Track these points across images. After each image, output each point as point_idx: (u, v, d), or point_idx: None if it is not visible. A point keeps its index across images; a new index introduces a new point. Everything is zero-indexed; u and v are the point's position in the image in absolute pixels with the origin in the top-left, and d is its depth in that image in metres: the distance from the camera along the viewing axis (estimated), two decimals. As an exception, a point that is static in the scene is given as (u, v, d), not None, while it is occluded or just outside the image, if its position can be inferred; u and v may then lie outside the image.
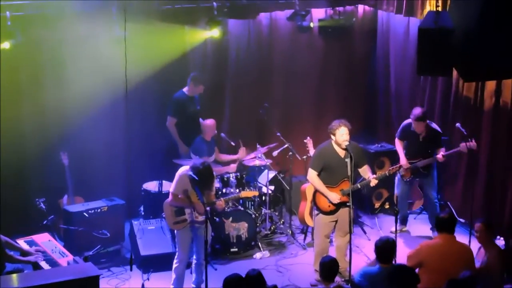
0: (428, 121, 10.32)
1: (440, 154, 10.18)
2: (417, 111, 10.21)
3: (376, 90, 13.00)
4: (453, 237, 7.64)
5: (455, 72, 9.35)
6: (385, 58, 12.63)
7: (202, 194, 8.30)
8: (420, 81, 11.62)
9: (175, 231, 8.82)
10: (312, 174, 9.11)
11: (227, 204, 10.10)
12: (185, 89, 11.15)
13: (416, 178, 10.56)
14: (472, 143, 9.85)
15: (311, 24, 12.03)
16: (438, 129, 10.43)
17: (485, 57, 7.18)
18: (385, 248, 7.31)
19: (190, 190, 8.49)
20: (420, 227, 11.05)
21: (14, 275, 7.40)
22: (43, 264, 7.78)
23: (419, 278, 6.76)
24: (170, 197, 8.70)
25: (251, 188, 10.61)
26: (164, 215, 9.08)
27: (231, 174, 10.56)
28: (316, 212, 9.24)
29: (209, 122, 10.81)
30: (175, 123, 11.06)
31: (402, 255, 8.08)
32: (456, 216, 9.93)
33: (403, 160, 10.44)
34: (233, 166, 10.91)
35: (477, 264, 7.60)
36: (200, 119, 11.05)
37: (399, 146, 10.62)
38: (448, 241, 7.56)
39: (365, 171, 9.20)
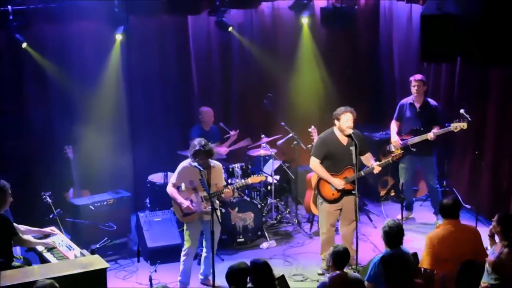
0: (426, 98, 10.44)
1: (432, 132, 10.16)
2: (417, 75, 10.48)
3: (380, 77, 12.97)
4: (458, 222, 7.55)
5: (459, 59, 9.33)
6: (389, 46, 12.60)
7: (209, 186, 8.29)
8: (424, 68, 11.58)
9: (185, 224, 8.82)
10: (314, 161, 9.07)
11: (235, 192, 10.06)
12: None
13: (408, 155, 10.35)
14: (463, 123, 9.86)
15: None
16: (435, 103, 10.47)
17: (490, 43, 7.10)
18: (393, 232, 7.21)
19: (196, 182, 8.48)
20: (426, 213, 11.04)
21: (21, 269, 7.43)
22: (50, 257, 7.79)
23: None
24: (170, 185, 8.72)
25: (257, 178, 10.59)
26: (172, 209, 9.07)
27: (236, 165, 10.53)
28: (320, 200, 9.22)
29: (206, 109, 10.89)
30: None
31: (408, 241, 8.04)
32: (462, 203, 9.87)
33: (393, 138, 10.52)
34: (224, 149, 10.93)
35: (493, 256, 7.41)
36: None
37: (393, 127, 10.65)
38: (455, 226, 7.48)
39: (368, 159, 9.18)
